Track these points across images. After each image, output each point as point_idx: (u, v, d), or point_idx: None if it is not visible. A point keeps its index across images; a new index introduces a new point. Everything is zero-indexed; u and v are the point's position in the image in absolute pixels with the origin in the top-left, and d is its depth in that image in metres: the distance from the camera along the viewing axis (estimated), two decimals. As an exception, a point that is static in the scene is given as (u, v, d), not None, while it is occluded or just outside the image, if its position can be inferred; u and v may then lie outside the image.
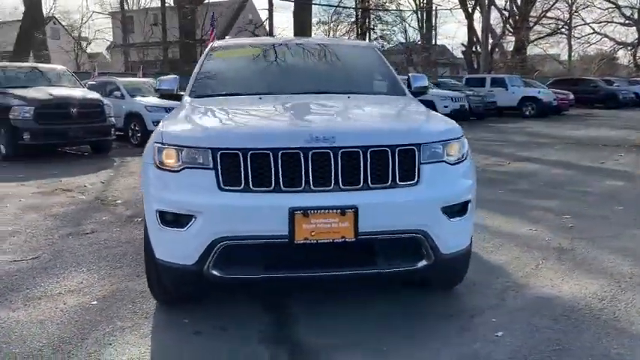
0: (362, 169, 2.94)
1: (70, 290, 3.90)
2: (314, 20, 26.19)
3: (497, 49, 34.37)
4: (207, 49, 4.72)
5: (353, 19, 27.82)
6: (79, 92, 11.51)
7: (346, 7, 27.47)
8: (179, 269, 3.04)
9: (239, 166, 2.89)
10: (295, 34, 22.36)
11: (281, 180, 2.89)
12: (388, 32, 29.30)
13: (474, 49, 31.88)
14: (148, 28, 29.13)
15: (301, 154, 2.90)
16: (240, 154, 2.90)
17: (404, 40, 33.94)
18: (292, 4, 22.36)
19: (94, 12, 38.42)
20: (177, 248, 3.00)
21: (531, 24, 34.60)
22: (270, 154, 2.89)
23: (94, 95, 11.61)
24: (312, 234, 2.85)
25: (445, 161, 3.15)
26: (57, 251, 4.83)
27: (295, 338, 3.16)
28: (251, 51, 4.73)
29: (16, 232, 5.48)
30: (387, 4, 28.42)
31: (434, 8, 32.13)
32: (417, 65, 30.07)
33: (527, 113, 22.61)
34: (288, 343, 3.10)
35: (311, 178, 2.90)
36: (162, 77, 4.50)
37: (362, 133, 3.08)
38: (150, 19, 37.69)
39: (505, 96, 22.69)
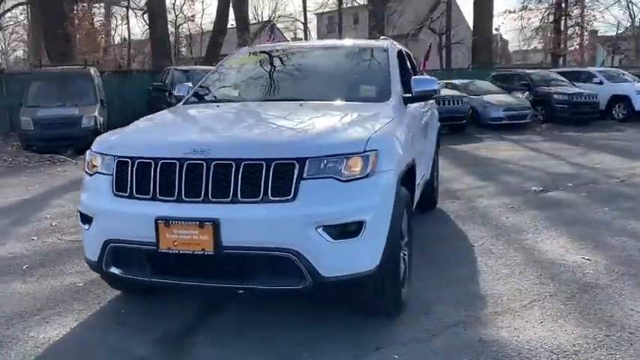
0: (232, 182, 2.89)
1: (80, 272, 4.49)
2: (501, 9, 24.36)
3: None
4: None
5: (545, 6, 25.18)
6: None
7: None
8: (91, 265, 3.36)
9: (127, 174, 3.08)
10: (475, 23, 21.40)
11: (157, 189, 3.00)
12: (588, 18, 25.81)
13: None
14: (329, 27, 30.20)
15: (177, 165, 2.97)
16: (130, 162, 3.09)
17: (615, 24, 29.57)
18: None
19: (279, 16, 40.87)
20: (88, 246, 3.32)
21: None
22: (152, 163, 3.02)
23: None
24: (175, 244, 2.91)
25: (335, 177, 2.91)
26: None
27: (188, 346, 3.21)
28: (252, 58, 4.84)
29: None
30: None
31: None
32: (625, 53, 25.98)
33: None
34: (172, 349, 3.18)
35: (183, 188, 2.95)
36: (179, 84, 4.86)
37: (238, 146, 3.01)
38: (350, 19, 39.26)
39: None
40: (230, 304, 3.71)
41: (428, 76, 4.39)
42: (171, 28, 23.95)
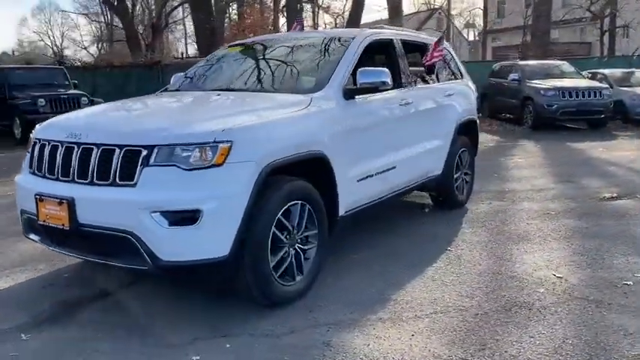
0: (91, 165, 3.16)
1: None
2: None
3: None
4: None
5: None
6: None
7: None
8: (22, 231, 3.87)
9: (34, 153, 3.53)
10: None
11: (46, 167, 3.39)
12: None
13: None
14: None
15: (59, 147, 3.33)
16: (37, 143, 3.52)
17: None
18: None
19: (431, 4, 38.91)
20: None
21: None
22: (46, 144, 3.42)
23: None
24: (48, 217, 3.27)
25: (179, 166, 3.01)
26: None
27: (81, 309, 3.55)
28: (228, 51, 5.02)
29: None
30: None
31: None
32: None
33: None
34: (68, 309, 3.55)
35: (60, 168, 3.30)
36: (175, 74, 5.24)
37: (100, 131, 3.25)
38: (521, 2, 36.72)
39: None
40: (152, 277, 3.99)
41: (376, 68, 4.14)
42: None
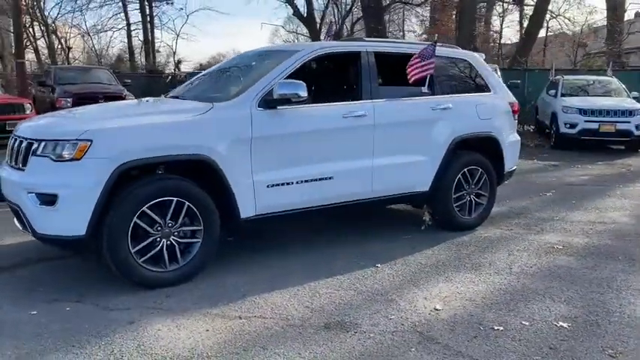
0: (14, 152, 4.05)
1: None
2: None
3: None
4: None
5: None
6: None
7: None
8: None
9: (12, 144, 4.59)
10: None
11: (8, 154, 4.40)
12: None
13: None
14: None
15: (12, 138, 4.31)
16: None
17: None
18: None
19: None
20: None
21: None
22: (13, 138, 4.43)
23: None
24: (-3, 192, 4.27)
25: (50, 157, 3.71)
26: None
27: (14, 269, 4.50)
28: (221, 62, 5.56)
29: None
30: None
31: None
32: None
33: None
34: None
35: (8, 154, 4.27)
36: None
37: (26, 128, 4.11)
38: None
39: None
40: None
41: (294, 81, 4.25)
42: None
